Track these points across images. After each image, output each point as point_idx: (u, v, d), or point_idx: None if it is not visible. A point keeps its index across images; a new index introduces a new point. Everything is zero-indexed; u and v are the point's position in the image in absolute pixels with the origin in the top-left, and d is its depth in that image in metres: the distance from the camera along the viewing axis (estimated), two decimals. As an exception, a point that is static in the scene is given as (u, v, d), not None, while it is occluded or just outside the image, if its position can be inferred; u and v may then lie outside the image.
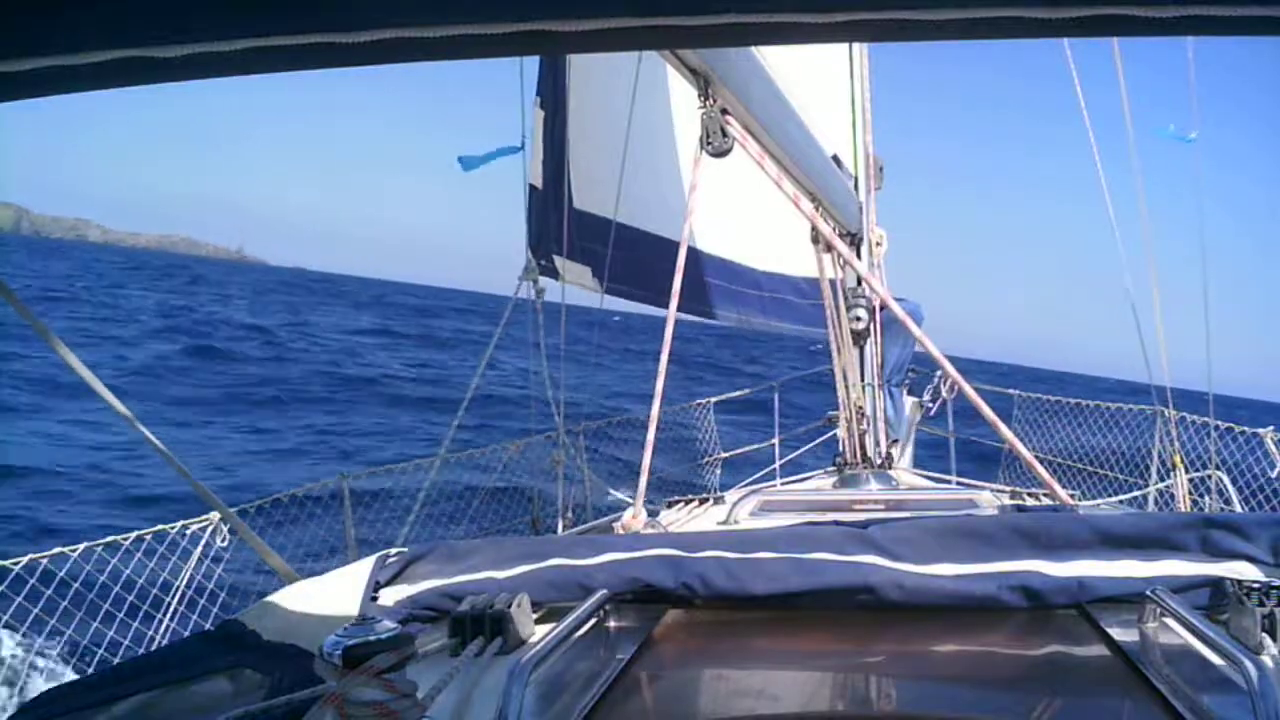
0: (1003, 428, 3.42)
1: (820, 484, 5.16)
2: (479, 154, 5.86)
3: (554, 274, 6.68)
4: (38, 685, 4.54)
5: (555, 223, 6.54)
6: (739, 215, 6.94)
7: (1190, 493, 6.27)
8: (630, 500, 3.20)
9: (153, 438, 2.24)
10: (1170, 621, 1.45)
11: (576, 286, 6.83)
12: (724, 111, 2.71)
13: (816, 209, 4.14)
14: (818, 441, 7.45)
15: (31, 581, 4.09)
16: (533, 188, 6.63)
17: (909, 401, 6.89)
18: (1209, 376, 6.13)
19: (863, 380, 5.16)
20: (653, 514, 3.85)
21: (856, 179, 5.41)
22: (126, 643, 4.51)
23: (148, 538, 4.33)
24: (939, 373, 6.72)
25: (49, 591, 4.18)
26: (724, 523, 3.60)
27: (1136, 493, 6.94)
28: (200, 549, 4.42)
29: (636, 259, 6.56)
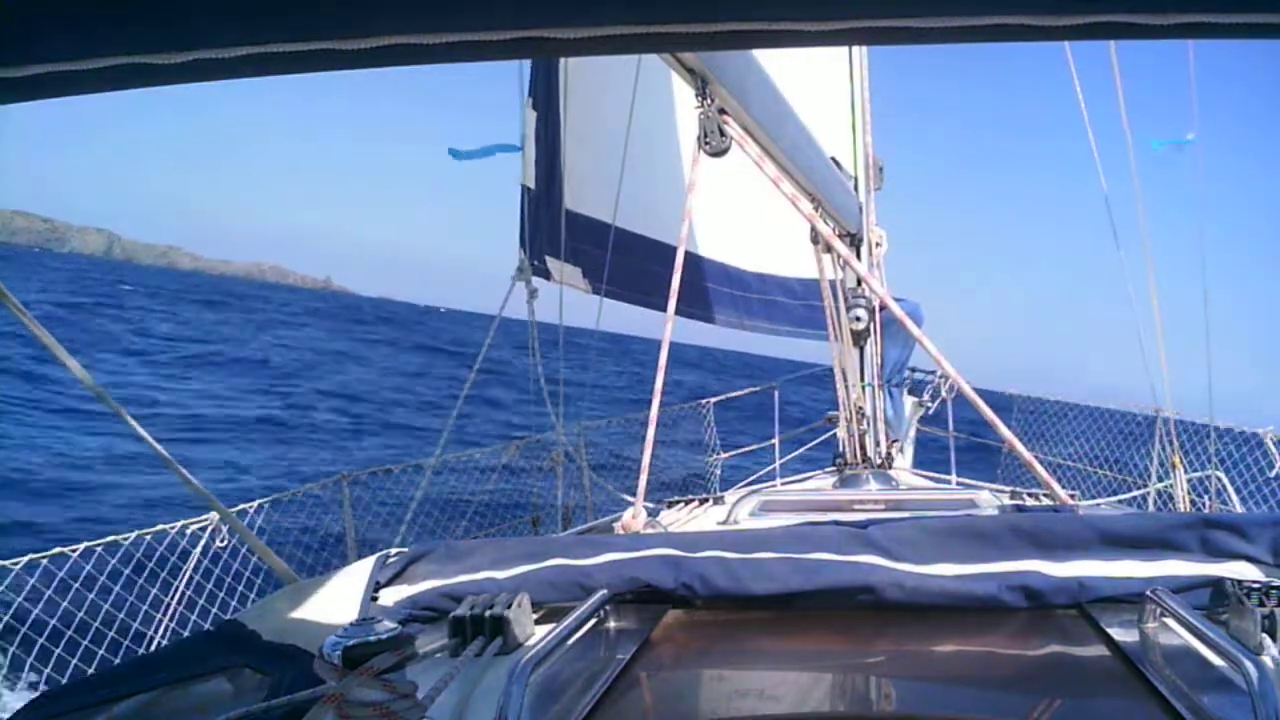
0: (1002, 428, 3.42)
1: (820, 484, 5.16)
2: (474, 150, 5.87)
3: (546, 274, 6.71)
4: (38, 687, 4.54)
5: (548, 224, 6.56)
6: (731, 217, 6.96)
7: (1190, 493, 6.27)
8: (630, 500, 3.20)
9: (153, 440, 2.24)
10: (1170, 622, 1.45)
11: (570, 288, 6.85)
12: (722, 111, 2.71)
13: (816, 209, 4.14)
14: (818, 441, 7.46)
15: (32, 581, 4.09)
16: (525, 188, 6.65)
17: (909, 401, 6.89)
18: (1209, 376, 6.14)
19: (862, 380, 5.17)
20: (653, 514, 3.85)
21: (856, 180, 5.41)
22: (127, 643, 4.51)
23: (148, 538, 4.33)
24: (939, 373, 6.73)
25: (49, 592, 4.18)
26: (724, 523, 3.60)
27: (1136, 493, 6.95)
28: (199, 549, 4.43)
29: (628, 261, 6.57)
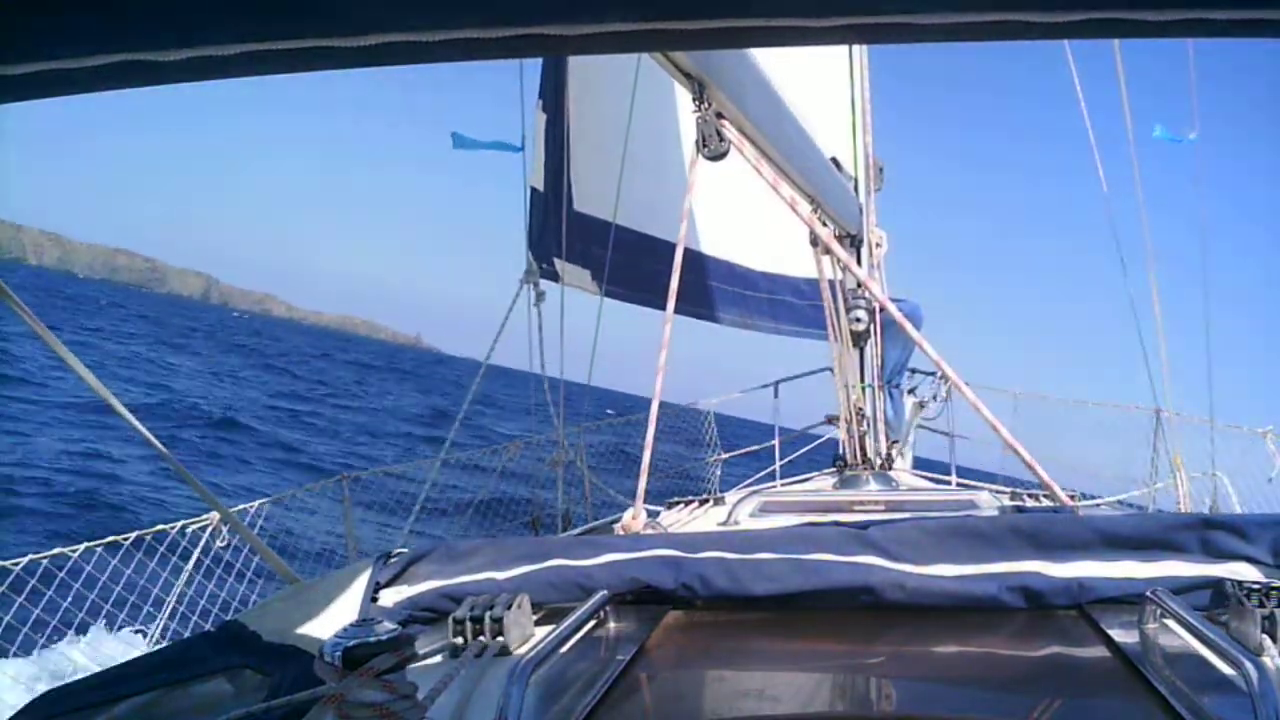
0: (1001, 428, 3.42)
1: (820, 484, 5.16)
2: (477, 140, 5.87)
3: (554, 276, 6.70)
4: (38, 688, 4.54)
5: (555, 225, 6.55)
6: (739, 216, 6.94)
7: (1190, 493, 6.27)
8: (630, 500, 3.20)
9: (155, 441, 2.24)
10: (1170, 623, 1.45)
11: (577, 288, 6.85)
12: (719, 115, 2.71)
13: (814, 211, 4.14)
14: (818, 442, 7.46)
15: (32, 582, 4.09)
16: (534, 190, 6.65)
17: (909, 402, 6.89)
18: (1209, 376, 6.14)
19: (862, 381, 5.16)
20: (653, 514, 3.85)
21: (856, 181, 5.41)
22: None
23: (148, 538, 4.33)
24: (938, 373, 6.73)
25: (50, 591, 4.19)
26: (724, 523, 3.60)
27: (1136, 493, 6.95)
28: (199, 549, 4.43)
29: (636, 261, 6.56)
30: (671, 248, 3.10)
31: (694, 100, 2.66)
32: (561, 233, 6.38)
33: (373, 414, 32.42)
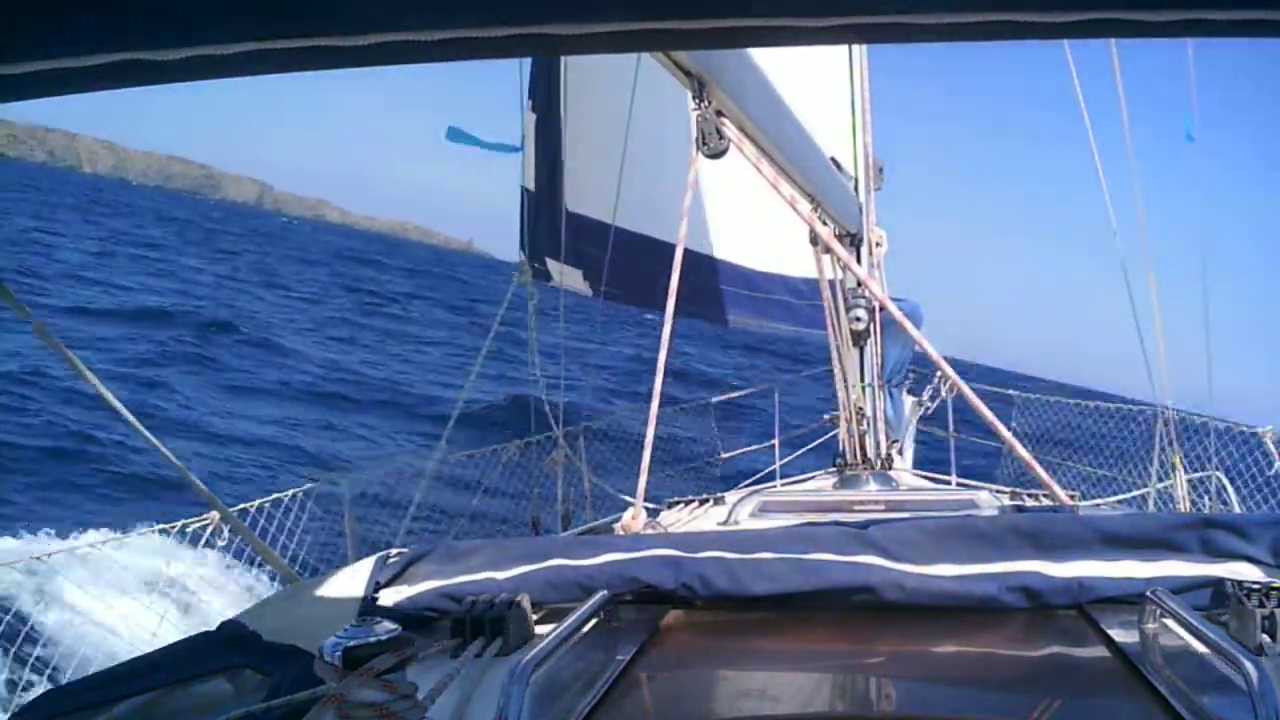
0: (1001, 428, 3.42)
1: (820, 484, 5.16)
2: (475, 135, 5.83)
3: (547, 276, 6.70)
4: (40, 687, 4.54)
5: (548, 225, 6.55)
6: (736, 216, 6.94)
7: (1190, 493, 6.27)
8: (630, 500, 3.20)
9: (153, 439, 2.24)
10: (1170, 622, 1.45)
11: (570, 289, 6.86)
12: (719, 113, 2.71)
13: (814, 210, 4.14)
14: (818, 442, 7.46)
15: (33, 580, 4.10)
16: (526, 190, 6.64)
17: (909, 402, 6.89)
18: (1209, 376, 6.15)
19: (862, 381, 5.16)
20: (653, 514, 3.86)
21: (856, 180, 5.41)
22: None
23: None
24: (938, 373, 6.73)
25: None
26: (724, 523, 3.60)
27: (1136, 492, 6.95)
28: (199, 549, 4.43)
29: (629, 262, 6.56)
30: (666, 248, 3.10)
31: (694, 98, 2.65)
32: (554, 233, 6.38)
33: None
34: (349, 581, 1.75)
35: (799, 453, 7.42)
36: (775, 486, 5.43)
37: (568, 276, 6.77)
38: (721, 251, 7.31)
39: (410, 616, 1.70)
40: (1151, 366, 5.48)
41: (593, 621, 1.58)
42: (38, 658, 4.55)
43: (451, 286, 62.16)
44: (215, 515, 4.28)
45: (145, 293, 27.33)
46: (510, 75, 6.19)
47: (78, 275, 28.30)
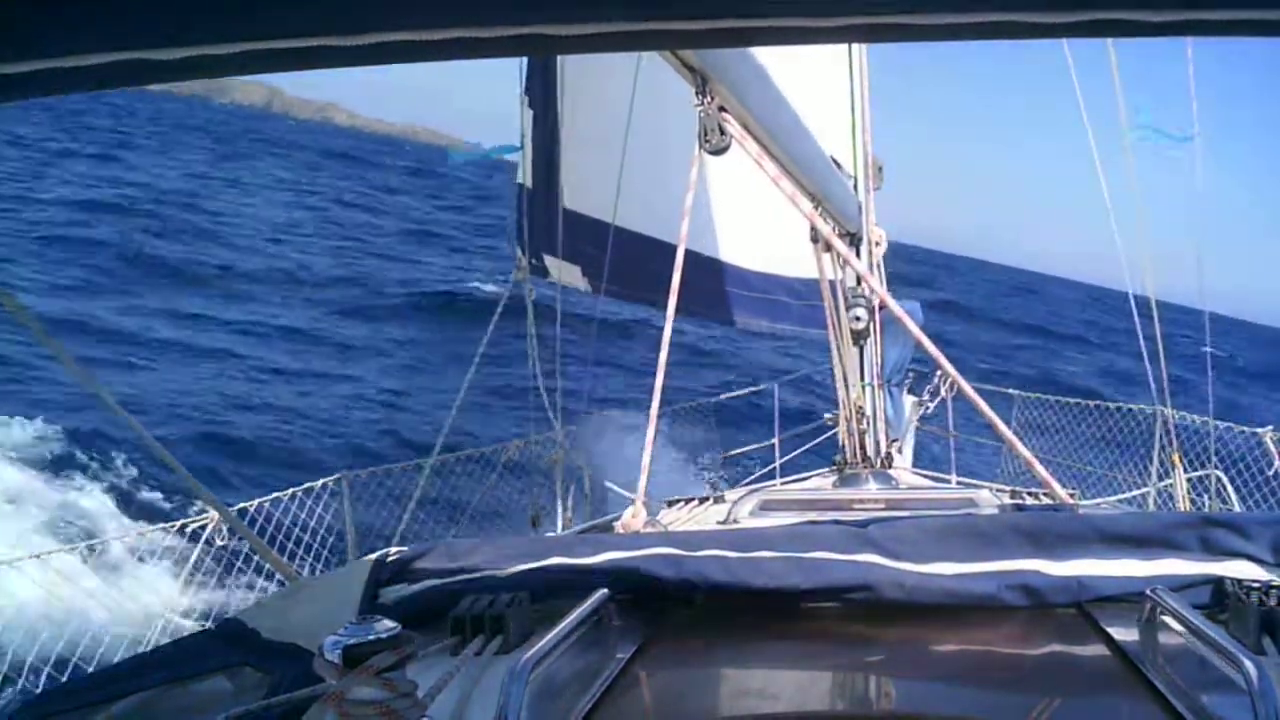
0: (1001, 427, 3.42)
1: (820, 484, 5.16)
2: (475, 152, 5.87)
3: (544, 273, 6.71)
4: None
5: (545, 222, 6.56)
6: (730, 216, 6.95)
7: (1189, 492, 6.28)
8: (630, 499, 3.20)
9: (151, 438, 2.24)
10: (1170, 621, 1.45)
11: (568, 285, 6.87)
12: (721, 109, 2.71)
13: (815, 208, 4.14)
14: (818, 441, 7.46)
15: (33, 580, 4.09)
16: (522, 187, 6.65)
17: (909, 401, 6.89)
18: (1209, 376, 6.15)
19: (862, 380, 5.16)
20: (653, 513, 3.86)
21: (855, 179, 5.42)
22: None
23: (148, 537, 4.33)
24: (939, 372, 6.73)
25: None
26: (724, 522, 3.60)
27: (1136, 492, 6.96)
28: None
29: (626, 259, 6.56)
30: (664, 246, 3.10)
31: (696, 94, 2.65)
32: (552, 230, 6.39)
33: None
34: (349, 580, 1.75)
35: (799, 451, 7.43)
36: (775, 485, 5.43)
37: (566, 273, 6.78)
38: (718, 251, 7.33)
39: (410, 615, 1.70)
40: (1153, 371, 5.46)
41: (592, 620, 1.58)
42: (38, 657, 4.55)
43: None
44: (215, 515, 4.28)
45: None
46: (510, 72, 6.19)
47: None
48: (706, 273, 7.30)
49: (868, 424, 5.17)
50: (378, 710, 1.07)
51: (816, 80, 5.43)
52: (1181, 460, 6.29)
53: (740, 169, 3.07)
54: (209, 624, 1.71)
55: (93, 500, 10.06)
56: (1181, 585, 1.57)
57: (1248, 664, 1.16)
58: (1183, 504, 6.16)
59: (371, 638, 1.12)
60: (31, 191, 28.60)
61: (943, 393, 7.05)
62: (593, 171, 6.21)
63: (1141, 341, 5.52)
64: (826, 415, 6.36)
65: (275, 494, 5.26)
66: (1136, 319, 5.48)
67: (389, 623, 1.16)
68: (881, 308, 4.99)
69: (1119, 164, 5.78)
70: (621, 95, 5.26)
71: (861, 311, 4.96)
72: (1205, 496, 6.26)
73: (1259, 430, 6.49)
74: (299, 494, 5.46)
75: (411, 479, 6.00)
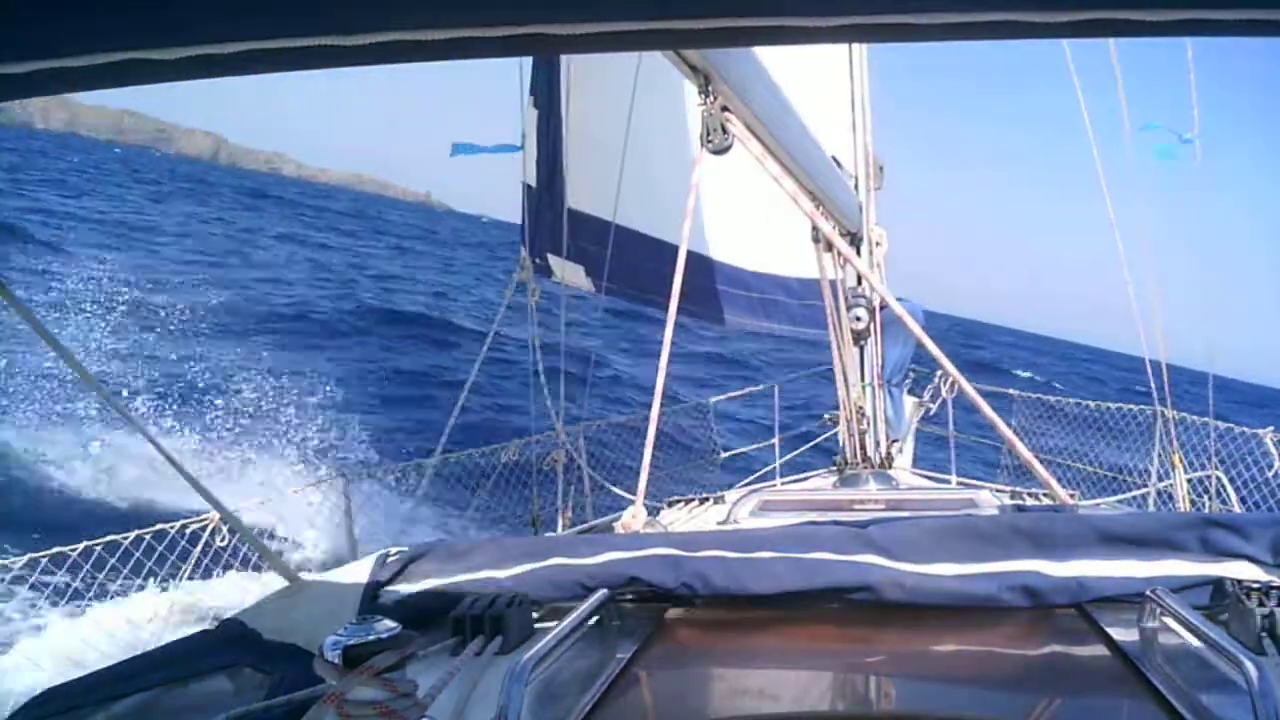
0: (1002, 427, 3.42)
1: (820, 484, 5.16)
2: (478, 145, 5.89)
3: (548, 272, 6.72)
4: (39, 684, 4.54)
5: (549, 222, 6.56)
6: (730, 216, 6.96)
7: (1189, 492, 6.27)
8: (630, 499, 3.20)
9: (150, 437, 2.24)
10: (1170, 621, 1.45)
11: (572, 285, 6.88)
12: (724, 109, 2.71)
13: (817, 207, 4.14)
14: (818, 441, 7.46)
15: (32, 579, 4.09)
16: (527, 186, 6.66)
17: (909, 401, 6.89)
18: (1209, 376, 6.14)
19: (863, 380, 5.16)
20: (653, 513, 3.86)
21: (856, 179, 5.42)
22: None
23: (147, 537, 4.33)
24: (939, 372, 6.73)
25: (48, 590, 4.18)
26: (724, 522, 3.60)
27: (1136, 492, 6.96)
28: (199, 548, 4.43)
29: (629, 259, 6.57)
30: (667, 246, 3.11)
31: (700, 93, 2.66)
32: (555, 229, 6.40)
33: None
34: (349, 580, 1.75)
35: (799, 451, 7.43)
36: (775, 485, 5.43)
37: (569, 272, 6.78)
38: (716, 252, 7.33)
39: (410, 615, 1.70)
40: (1143, 320, 5.43)
41: (592, 620, 1.58)
42: (37, 657, 4.55)
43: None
44: (215, 515, 4.28)
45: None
46: (510, 71, 6.19)
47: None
48: (706, 273, 7.30)
49: (868, 424, 5.17)
50: (378, 710, 1.07)
51: (817, 80, 5.43)
52: (1181, 461, 6.29)
53: (738, 169, 3.07)
54: (209, 624, 1.71)
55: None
56: (1181, 586, 1.57)
57: (1248, 664, 1.16)
58: (1183, 505, 6.16)
59: (372, 638, 1.12)
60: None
61: (944, 393, 7.05)
62: (597, 170, 6.21)
63: (1142, 341, 5.52)
64: (826, 415, 6.36)
65: (275, 494, 5.27)
66: (1137, 318, 5.48)
67: (389, 623, 1.16)
68: (882, 307, 4.99)
69: (1119, 164, 5.78)
70: (626, 94, 5.27)
71: (862, 311, 4.96)
72: (1205, 497, 6.26)
73: (1259, 431, 6.48)
74: (299, 494, 5.46)
75: (412, 479, 6.00)
